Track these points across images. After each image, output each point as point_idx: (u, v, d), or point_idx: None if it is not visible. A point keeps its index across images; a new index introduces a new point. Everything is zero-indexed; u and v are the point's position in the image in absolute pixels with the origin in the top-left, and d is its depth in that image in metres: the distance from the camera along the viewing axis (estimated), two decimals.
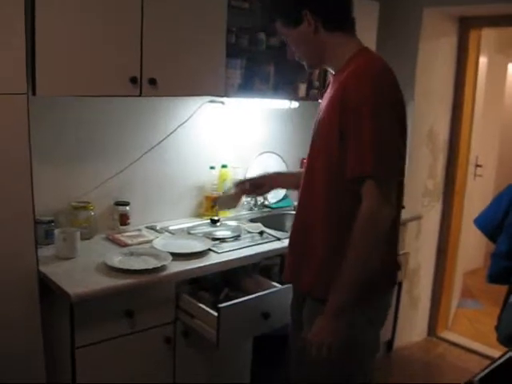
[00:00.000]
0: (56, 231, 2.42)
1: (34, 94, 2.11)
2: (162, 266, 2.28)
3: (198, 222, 3.01)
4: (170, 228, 2.86)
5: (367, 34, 3.35)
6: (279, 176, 2.36)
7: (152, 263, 2.31)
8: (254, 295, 2.30)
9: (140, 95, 2.37)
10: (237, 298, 2.28)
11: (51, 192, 2.57)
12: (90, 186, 2.71)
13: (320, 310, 1.78)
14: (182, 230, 2.85)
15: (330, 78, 1.93)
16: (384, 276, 1.88)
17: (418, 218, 3.66)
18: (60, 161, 2.62)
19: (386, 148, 1.67)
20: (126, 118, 2.81)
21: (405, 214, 3.42)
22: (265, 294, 2.33)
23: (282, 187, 2.45)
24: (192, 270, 2.35)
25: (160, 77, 2.40)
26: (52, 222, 2.54)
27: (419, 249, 3.94)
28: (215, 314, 2.17)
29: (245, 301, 2.26)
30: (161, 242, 2.57)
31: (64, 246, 2.37)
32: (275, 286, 2.42)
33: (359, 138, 1.66)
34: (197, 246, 2.54)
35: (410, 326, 4.06)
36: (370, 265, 1.71)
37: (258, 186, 2.28)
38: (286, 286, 2.28)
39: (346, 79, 1.72)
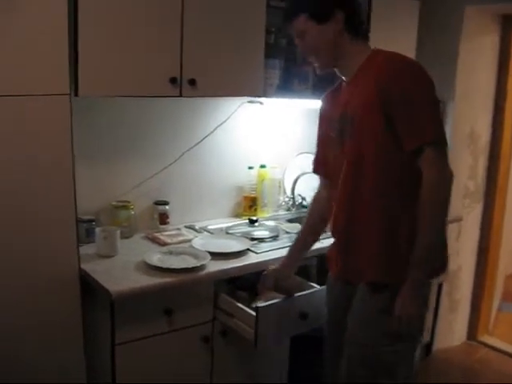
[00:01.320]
0: (97, 230, 2.46)
1: (76, 94, 2.15)
2: (200, 266, 2.29)
3: (236, 221, 3.02)
4: (209, 227, 2.88)
5: (407, 33, 3.33)
6: (288, 263, 2.29)
7: (191, 262, 2.32)
8: (291, 296, 2.29)
9: (180, 96, 2.39)
10: (274, 298, 2.28)
11: (92, 191, 2.61)
12: (130, 185, 2.75)
13: (375, 295, 1.88)
14: (220, 229, 2.86)
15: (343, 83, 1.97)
16: (442, 255, 1.95)
17: (459, 219, 3.60)
18: (101, 160, 2.67)
19: (438, 116, 1.78)
20: (165, 118, 2.83)
21: None
22: (302, 295, 2.31)
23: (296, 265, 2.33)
24: (230, 270, 2.36)
25: (200, 77, 2.41)
26: (93, 220, 2.58)
27: (460, 250, 3.87)
28: (253, 313, 2.17)
29: (282, 301, 2.25)
30: (200, 242, 2.59)
31: (104, 244, 2.41)
32: (313, 287, 2.40)
33: (412, 111, 1.72)
34: (235, 245, 2.55)
35: (450, 329, 3.99)
36: (444, 233, 1.86)
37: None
38: (323, 286, 2.28)
39: (378, 67, 1.79)
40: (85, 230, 2.53)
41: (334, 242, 2.07)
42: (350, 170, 1.91)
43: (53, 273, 2.13)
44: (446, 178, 1.74)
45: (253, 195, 3.07)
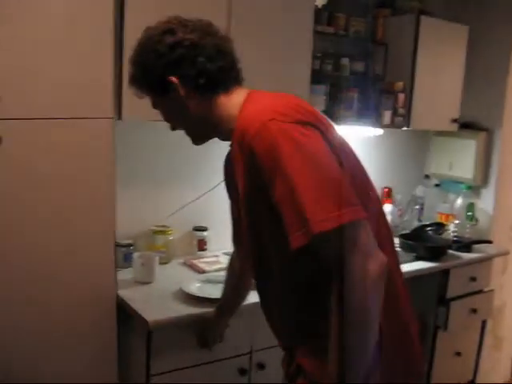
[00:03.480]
0: (135, 255, 2.41)
1: (119, 118, 2.13)
2: None
3: None
4: None
5: (455, 58, 3.27)
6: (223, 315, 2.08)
7: None
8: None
9: None
10: None
11: (131, 215, 2.58)
12: (168, 210, 2.70)
13: None
14: None
15: None
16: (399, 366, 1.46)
17: (505, 253, 3.46)
18: (141, 184, 2.64)
19: (327, 187, 1.23)
20: (207, 144, 2.78)
21: (491, 249, 3.31)
22: None
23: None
24: None
25: None
26: (131, 245, 2.55)
27: (504, 285, 3.73)
28: None
29: None
30: None
31: (142, 270, 2.36)
32: None
33: (285, 196, 1.24)
34: None
35: (493, 367, 3.83)
36: (366, 339, 1.28)
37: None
38: None
39: (238, 143, 1.35)
40: (122, 255, 2.49)
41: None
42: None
43: (89, 297, 2.09)
44: (363, 269, 1.23)
45: None
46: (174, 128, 1.56)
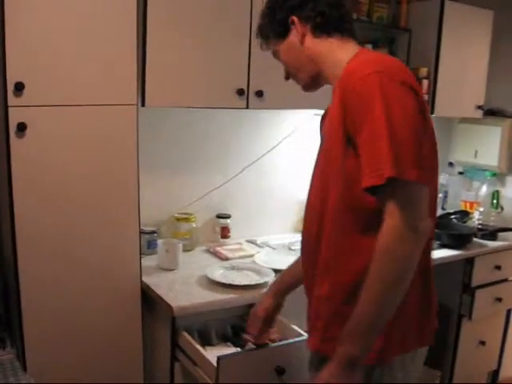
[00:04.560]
0: (159, 242, 2.42)
1: (143, 105, 2.14)
2: (264, 283, 2.23)
3: (299, 237, 2.93)
4: (271, 243, 2.81)
5: (480, 44, 3.22)
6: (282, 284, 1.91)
7: (254, 279, 2.27)
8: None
9: (247, 107, 2.36)
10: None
11: (154, 202, 2.59)
12: (192, 197, 2.72)
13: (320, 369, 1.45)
14: (282, 245, 2.79)
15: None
16: (415, 328, 1.50)
17: None
18: (164, 171, 2.65)
19: (409, 147, 1.30)
20: (230, 130, 2.80)
21: None
22: (281, 345, 1.98)
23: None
24: None
25: (266, 89, 2.37)
26: (155, 232, 2.56)
27: None
28: (214, 363, 1.84)
29: (253, 351, 1.96)
30: (262, 258, 2.53)
31: (166, 257, 2.37)
32: (299, 334, 2.05)
33: (370, 136, 1.31)
34: None
35: None
36: (392, 306, 1.32)
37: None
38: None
39: (341, 84, 1.41)
40: (146, 242, 2.50)
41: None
42: (315, 204, 1.54)
43: (114, 283, 2.11)
44: (409, 232, 1.27)
45: None
46: (287, 76, 1.68)
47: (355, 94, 1.35)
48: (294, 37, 1.56)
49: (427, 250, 1.45)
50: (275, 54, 1.66)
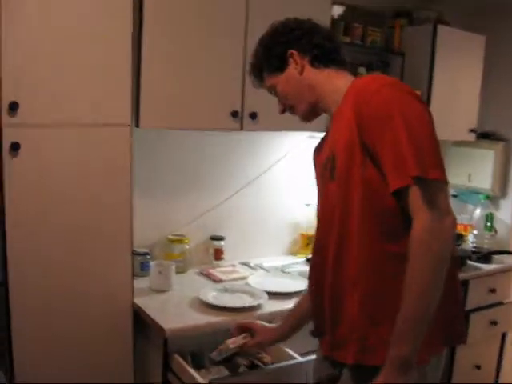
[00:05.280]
0: (152, 263, 2.41)
1: (137, 125, 2.14)
2: (257, 305, 2.21)
3: (292, 260, 2.94)
4: (265, 265, 2.80)
5: (473, 68, 3.26)
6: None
7: (247, 301, 2.25)
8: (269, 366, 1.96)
9: (241, 129, 2.37)
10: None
11: (148, 223, 2.58)
12: (186, 219, 2.71)
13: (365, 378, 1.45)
14: (276, 267, 2.78)
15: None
16: (443, 327, 1.50)
17: None
18: (158, 192, 2.64)
19: (430, 148, 1.38)
20: (225, 152, 2.80)
21: (511, 260, 3.27)
22: (278, 367, 1.95)
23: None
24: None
25: (261, 111, 2.38)
26: (147, 254, 2.55)
27: None
28: None
29: (246, 374, 1.93)
30: (256, 280, 2.52)
31: (159, 278, 2.36)
32: (293, 357, 2.03)
33: (392, 142, 1.37)
34: (292, 285, 2.45)
35: None
36: (435, 300, 1.36)
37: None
38: (308, 358, 1.93)
39: (355, 93, 1.48)
40: (139, 263, 2.49)
41: (319, 307, 1.64)
42: (333, 219, 1.54)
43: (106, 305, 2.09)
44: (439, 226, 1.33)
45: (310, 233, 2.97)
46: (284, 109, 1.73)
47: (371, 106, 1.41)
48: (292, 69, 1.63)
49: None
50: (271, 89, 1.71)
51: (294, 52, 1.61)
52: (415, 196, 1.35)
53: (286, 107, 1.71)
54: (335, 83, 1.60)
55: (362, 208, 1.46)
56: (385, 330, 1.42)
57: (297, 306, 1.89)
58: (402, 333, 1.36)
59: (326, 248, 1.57)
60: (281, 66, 1.64)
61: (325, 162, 1.59)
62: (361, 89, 1.48)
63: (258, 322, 1.97)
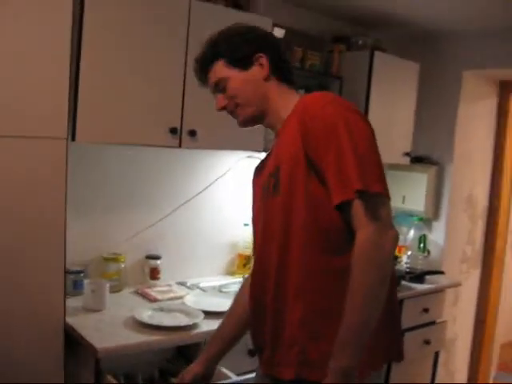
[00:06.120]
0: (85, 282, 2.35)
1: (73, 139, 2.09)
2: (193, 324, 2.18)
3: (230, 279, 2.91)
4: (201, 285, 2.77)
5: (407, 93, 3.35)
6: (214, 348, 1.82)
7: (183, 320, 2.22)
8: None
9: (179, 146, 2.35)
10: None
11: (82, 241, 2.51)
12: (122, 237, 2.66)
13: None
14: (213, 287, 2.75)
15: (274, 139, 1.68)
16: (385, 342, 1.53)
17: (457, 285, 3.51)
18: (93, 209, 2.58)
19: (371, 161, 1.41)
20: (162, 169, 2.77)
21: (443, 280, 3.36)
22: None
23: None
24: None
25: (200, 129, 2.38)
26: (81, 272, 2.48)
27: (457, 318, 3.77)
28: None
29: None
30: (192, 299, 2.48)
31: (92, 297, 2.30)
32: (228, 377, 2.01)
33: (337, 156, 1.39)
34: (229, 304, 2.42)
35: None
36: (377, 312, 1.37)
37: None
38: (245, 378, 1.94)
39: (301, 110, 1.51)
40: (72, 282, 2.42)
41: (258, 323, 1.63)
42: (274, 232, 1.54)
43: (36, 324, 2.00)
44: (381, 239, 1.35)
45: (247, 253, 2.97)
46: (224, 107, 1.66)
47: (317, 121, 1.44)
48: (257, 72, 1.61)
49: None
50: (219, 82, 1.64)
51: (265, 58, 1.60)
52: (358, 209, 1.38)
53: (229, 105, 1.65)
54: (286, 101, 1.61)
55: (305, 222, 1.47)
56: (325, 344, 1.42)
57: (223, 327, 1.83)
58: (344, 344, 1.36)
59: (267, 262, 1.56)
60: (244, 63, 1.61)
61: (267, 180, 1.58)
62: (308, 104, 1.51)
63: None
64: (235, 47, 1.62)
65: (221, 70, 1.62)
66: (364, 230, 1.37)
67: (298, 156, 1.47)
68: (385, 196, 1.40)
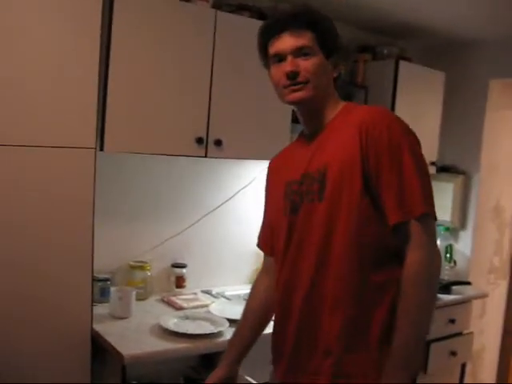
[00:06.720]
0: (112, 290, 2.38)
1: (101, 149, 2.13)
2: (218, 332, 2.19)
3: None
4: (226, 293, 2.79)
5: (433, 102, 3.33)
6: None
7: (208, 328, 2.24)
8: None
9: (205, 156, 2.37)
10: None
11: (109, 249, 2.54)
12: (148, 245, 2.69)
13: None
14: (238, 296, 2.77)
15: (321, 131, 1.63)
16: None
17: (484, 296, 3.47)
18: (120, 218, 2.62)
19: (429, 184, 1.48)
20: (189, 178, 2.80)
21: (470, 291, 3.32)
22: None
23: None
24: None
25: (226, 138, 2.40)
26: (108, 280, 2.51)
27: (484, 329, 3.72)
28: None
29: None
30: (217, 308, 2.50)
31: (119, 305, 2.33)
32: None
33: (401, 175, 1.44)
34: None
35: None
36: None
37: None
38: None
39: (364, 117, 1.51)
40: (99, 289, 2.45)
41: (283, 330, 1.62)
42: (312, 242, 1.53)
43: (64, 331, 2.04)
44: (436, 259, 1.45)
45: None
46: (297, 72, 1.54)
47: (382, 138, 1.46)
48: (330, 68, 1.60)
49: None
50: (304, 50, 1.55)
51: (341, 65, 1.65)
52: (417, 230, 1.43)
53: (302, 76, 1.55)
54: (336, 104, 1.64)
55: (350, 233, 1.48)
56: (360, 357, 1.46)
57: (241, 329, 1.83)
58: (401, 357, 1.41)
59: (301, 270, 1.55)
60: (329, 54, 1.58)
61: (305, 182, 1.56)
62: (373, 117, 1.51)
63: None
64: (333, 36, 1.61)
65: (312, 42, 1.55)
66: (421, 252, 1.43)
67: (352, 167, 1.48)
68: (436, 219, 1.48)
